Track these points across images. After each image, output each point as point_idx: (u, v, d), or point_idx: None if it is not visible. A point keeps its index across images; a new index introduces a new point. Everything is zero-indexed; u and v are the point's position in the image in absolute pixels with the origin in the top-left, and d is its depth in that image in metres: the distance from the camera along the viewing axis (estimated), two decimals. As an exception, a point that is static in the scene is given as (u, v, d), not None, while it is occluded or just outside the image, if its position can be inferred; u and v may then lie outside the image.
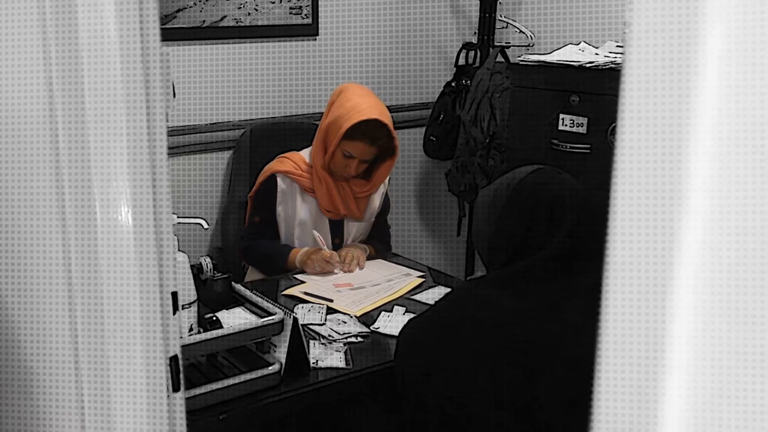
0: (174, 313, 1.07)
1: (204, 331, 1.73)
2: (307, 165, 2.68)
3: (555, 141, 2.59)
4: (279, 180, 2.67)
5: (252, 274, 2.78)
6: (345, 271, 2.56)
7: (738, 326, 0.54)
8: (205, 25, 2.97)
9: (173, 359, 1.08)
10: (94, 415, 1.07)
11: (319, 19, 3.23)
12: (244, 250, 2.77)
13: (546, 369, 1.50)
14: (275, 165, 2.70)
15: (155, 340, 1.05)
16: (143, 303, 1.03)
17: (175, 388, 1.08)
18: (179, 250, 1.69)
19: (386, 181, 2.81)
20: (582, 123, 2.51)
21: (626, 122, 0.60)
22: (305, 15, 3.20)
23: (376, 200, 2.80)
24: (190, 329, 1.71)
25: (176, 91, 2.86)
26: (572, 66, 2.53)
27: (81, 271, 1.02)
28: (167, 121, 1.04)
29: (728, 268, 0.54)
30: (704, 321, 0.55)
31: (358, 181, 2.70)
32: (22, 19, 1.00)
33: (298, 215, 2.68)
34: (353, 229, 2.76)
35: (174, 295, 1.07)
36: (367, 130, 2.52)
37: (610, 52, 2.62)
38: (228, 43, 3.03)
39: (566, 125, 2.56)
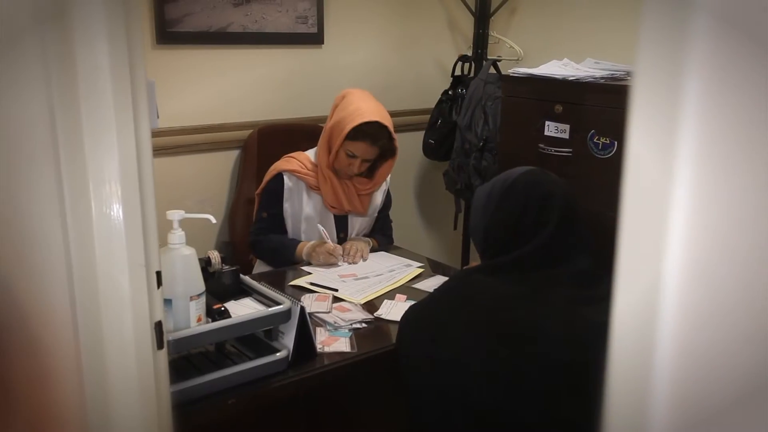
0: (158, 288, 1.18)
1: (213, 321, 1.65)
2: (312, 164, 2.63)
3: (542, 145, 2.57)
4: (286, 178, 2.61)
5: (259, 267, 2.71)
6: (349, 263, 2.49)
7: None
8: (212, 30, 2.85)
9: (157, 324, 1.18)
10: (90, 371, 1.14)
11: (324, 29, 3.14)
12: (252, 244, 2.70)
13: (534, 347, 1.52)
14: (282, 164, 2.65)
15: (142, 309, 1.14)
16: (132, 280, 1.12)
17: (159, 346, 1.19)
18: (188, 244, 1.61)
19: (387, 179, 2.78)
20: (565, 129, 2.50)
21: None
22: (311, 24, 3.10)
23: (378, 197, 2.76)
24: (199, 319, 1.62)
25: (190, 90, 2.81)
26: (556, 79, 2.53)
27: (79, 256, 1.09)
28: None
29: (707, 247, 0.59)
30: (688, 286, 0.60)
31: (361, 180, 2.67)
32: (25, 46, 1.05)
33: (305, 211, 2.62)
34: (357, 224, 2.70)
35: (158, 273, 1.17)
36: (369, 132, 2.49)
37: (589, 68, 2.59)
38: (237, 48, 2.94)
39: (551, 131, 2.54)
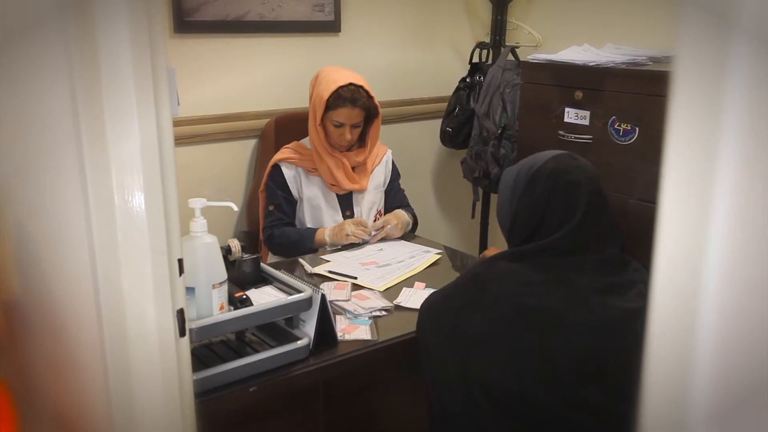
0: (180, 275, 1.17)
1: (235, 309, 1.64)
2: (307, 149, 2.67)
3: (561, 132, 2.55)
4: (284, 168, 2.65)
5: (273, 257, 2.70)
6: (378, 237, 2.59)
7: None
8: (229, 18, 2.84)
9: (179, 311, 1.18)
10: (113, 358, 1.14)
11: (341, 17, 3.12)
12: (267, 239, 2.68)
13: (558, 333, 1.51)
14: (276, 156, 2.70)
15: (165, 297, 1.14)
16: (154, 267, 1.12)
17: (181, 334, 1.19)
18: (209, 232, 1.61)
19: (388, 153, 2.83)
20: (585, 116, 2.48)
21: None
22: (328, 12, 3.09)
23: (380, 173, 2.80)
24: (221, 307, 1.62)
25: (207, 79, 2.81)
26: (576, 65, 2.50)
27: (101, 244, 1.09)
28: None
29: (749, 227, 0.58)
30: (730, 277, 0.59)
31: (356, 150, 2.70)
32: (48, 41, 1.05)
33: (307, 195, 2.63)
34: (362, 200, 2.72)
35: (180, 261, 1.17)
36: (346, 96, 2.54)
37: (610, 53, 2.57)
38: (254, 37, 2.93)
39: (571, 118, 2.52)
